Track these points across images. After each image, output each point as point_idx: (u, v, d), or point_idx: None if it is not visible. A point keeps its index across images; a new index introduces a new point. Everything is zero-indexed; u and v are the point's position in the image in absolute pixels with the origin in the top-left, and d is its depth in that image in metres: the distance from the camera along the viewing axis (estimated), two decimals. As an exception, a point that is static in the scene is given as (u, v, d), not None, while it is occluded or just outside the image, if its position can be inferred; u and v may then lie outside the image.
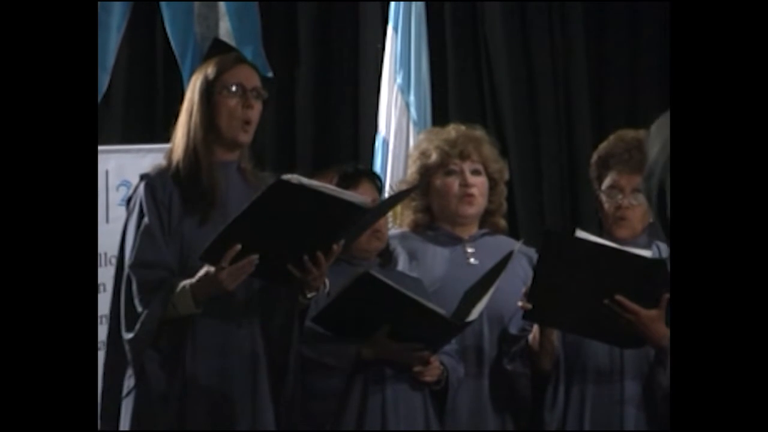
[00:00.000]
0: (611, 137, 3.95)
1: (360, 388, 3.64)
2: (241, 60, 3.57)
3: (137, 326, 3.37)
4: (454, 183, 3.89)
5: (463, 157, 3.90)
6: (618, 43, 5.81)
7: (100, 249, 3.89)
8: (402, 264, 3.88)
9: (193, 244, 3.39)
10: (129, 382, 3.42)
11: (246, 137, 3.50)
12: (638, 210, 3.82)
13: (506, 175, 4.01)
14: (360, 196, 3.45)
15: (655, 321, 3.58)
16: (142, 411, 3.40)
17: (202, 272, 3.32)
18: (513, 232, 4.18)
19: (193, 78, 3.57)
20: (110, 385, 3.48)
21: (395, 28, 5.38)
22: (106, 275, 3.83)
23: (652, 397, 3.73)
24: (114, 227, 3.70)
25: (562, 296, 3.59)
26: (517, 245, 3.74)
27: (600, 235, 3.72)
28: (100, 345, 3.60)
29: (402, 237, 3.95)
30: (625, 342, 3.67)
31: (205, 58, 3.61)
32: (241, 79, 3.50)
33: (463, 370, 3.78)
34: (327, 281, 3.51)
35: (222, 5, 5.61)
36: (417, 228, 3.96)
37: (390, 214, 4.04)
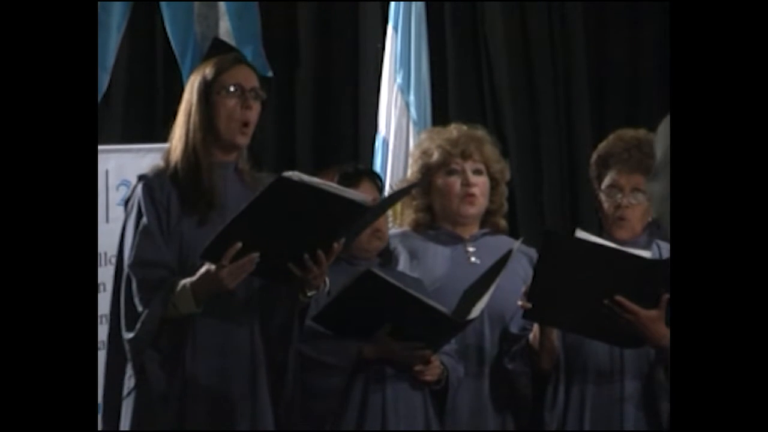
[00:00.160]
0: (610, 137, 3.96)
1: (360, 387, 3.64)
2: (239, 60, 3.56)
3: (138, 326, 3.37)
4: (456, 182, 3.89)
5: (465, 156, 3.91)
6: (618, 43, 5.81)
7: (100, 248, 3.89)
8: (403, 263, 3.88)
9: (191, 244, 3.38)
10: (129, 382, 3.42)
11: (244, 140, 3.49)
12: (638, 209, 3.82)
13: (507, 176, 4.02)
14: (361, 193, 3.44)
15: (655, 321, 3.58)
16: (143, 411, 3.40)
17: (202, 270, 3.32)
18: (513, 232, 4.18)
19: (191, 78, 3.56)
20: (111, 385, 3.48)
21: (395, 28, 5.39)
22: (106, 275, 3.83)
23: (652, 397, 3.73)
24: (114, 227, 3.70)
25: (562, 296, 3.59)
26: (516, 244, 3.74)
27: (600, 236, 3.72)
28: (100, 345, 3.59)
29: (403, 236, 3.95)
30: (624, 342, 3.67)
31: (205, 58, 3.61)
32: (240, 79, 3.50)
33: (463, 370, 3.78)
34: (327, 280, 3.51)
35: (222, 5, 5.61)
36: (418, 227, 3.96)
37: (390, 213, 4.04)
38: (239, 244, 3.26)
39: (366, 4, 5.75)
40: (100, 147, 3.50)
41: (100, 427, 3.52)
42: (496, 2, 5.71)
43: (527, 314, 3.65)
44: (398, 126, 5.32)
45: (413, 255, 3.90)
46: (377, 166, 5.23)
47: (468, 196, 3.89)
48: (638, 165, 3.83)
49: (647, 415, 3.73)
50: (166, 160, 3.50)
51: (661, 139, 2.66)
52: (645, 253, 3.63)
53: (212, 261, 3.29)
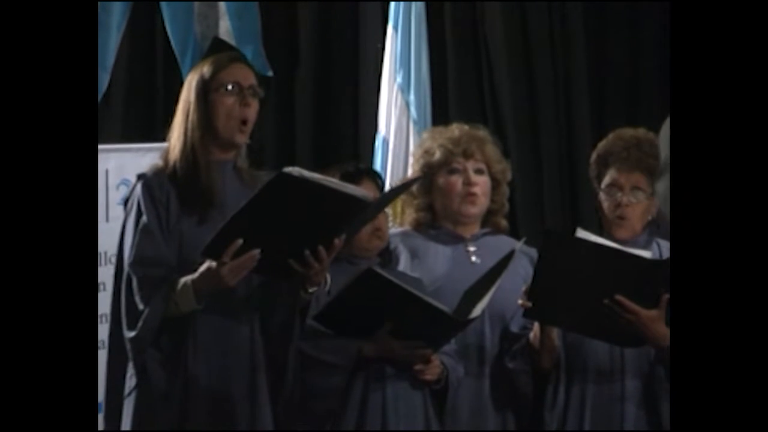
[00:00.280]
0: (610, 135, 3.96)
1: (360, 386, 3.64)
2: (236, 58, 3.56)
3: (139, 324, 3.37)
4: (458, 182, 3.90)
5: (467, 156, 3.91)
6: (618, 43, 5.81)
7: (100, 248, 3.88)
8: (403, 262, 3.88)
9: (191, 242, 3.38)
10: (130, 382, 3.42)
11: (242, 138, 3.50)
12: (638, 208, 3.83)
13: (509, 176, 4.02)
14: (361, 189, 3.44)
15: (655, 321, 3.58)
16: (144, 410, 3.40)
17: (203, 268, 3.32)
18: (513, 232, 4.18)
19: (189, 78, 3.56)
20: (112, 385, 3.47)
21: (395, 28, 5.39)
22: (106, 274, 3.83)
23: (652, 396, 3.73)
24: (114, 226, 3.70)
25: (562, 295, 3.60)
26: (518, 244, 3.74)
27: (600, 236, 3.72)
28: (100, 344, 3.59)
29: (404, 235, 3.95)
30: (625, 341, 3.67)
31: (204, 58, 3.61)
32: (238, 77, 3.50)
33: (463, 371, 3.79)
34: (328, 276, 3.51)
35: (222, 4, 5.61)
36: (419, 226, 3.96)
37: (390, 213, 4.04)
38: (240, 241, 3.26)
39: (366, 4, 5.75)
40: (100, 146, 3.50)
41: (101, 426, 3.52)
42: (496, 2, 5.71)
43: (528, 313, 3.66)
44: (398, 125, 5.32)
45: (414, 254, 3.90)
46: (377, 166, 5.23)
47: (469, 196, 3.89)
48: (638, 163, 3.83)
49: (648, 414, 3.74)
50: (165, 159, 3.50)
51: (666, 138, 2.66)
52: (645, 253, 3.64)
53: (213, 258, 3.29)
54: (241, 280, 3.34)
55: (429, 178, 3.93)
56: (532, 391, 3.82)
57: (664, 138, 3.66)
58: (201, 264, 3.33)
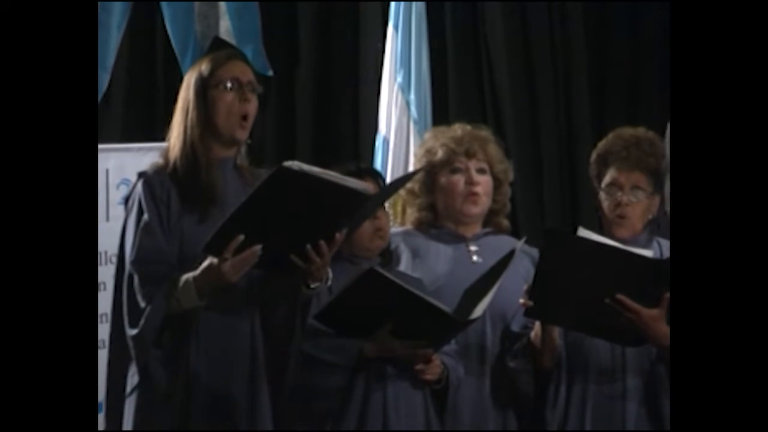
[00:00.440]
0: (609, 135, 3.97)
1: (361, 385, 3.64)
2: (234, 55, 3.57)
3: (141, 322, 3.36)
4: (460, 181, 3.90)
5: (469, 155, 3.92)
6: (618, 43, 5.81)
7: (101, 247, 3.88)
8: (405, 261, 3.88)
9: (192, 240, 3.38)
10: (132, 380, 3.42)
11: (243, 134, 3.50)
12: (638, 207, 3.83)
13: (511, 176, 4.03)
14: (362, 182, 3.43)
15: (656, 320, 3.59)
16: (146, 409, 3.40)
17: (205, 264, 3.32)
18: (513, 232, 4.18)
19: (187, 76, 3.57)
20: (113, 384, 3.47)
21: (395, 28, 5.39)
22: (106, 274, 3.83)
23: (653, 394, 3.74)
24: (114, 225, 3.70)
25: (563, 294, 3.60)
26: (519, 244, 3.75)
27: (600, 235, 3.72)
28: (100, 344, 3.60)
29: (405, 235, 3.95)
30: (626, 340, 3.67)
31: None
32: (237, 73, 3.50)
33: (463, 371, 3.79)
34: (330, 272, 3.51)
35: (222, 4, 5.61)
36: (420, 226, 3.97)
37: (391, 213, 4.04)
38: (241, 237, 3.26)
39: (366, 4, 5.75)
40: (100, 146, 3.50)
41: (102, 425, 3.52)
42: (496, 2, 5.72)
43: (529, 312, 3.66)
44: (399, 125, 5.32)
45: (415, 254, 3.90)
46: (378, 166, 5.23)
47: (471, 195, 3.90)
48: (637, 163, 3.84)
49: (649, 413, 3.74)
50: (165, 157, 3.51)
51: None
52: (647, 252, 3.64)
53: (215, 254, 3.29)
54: (244, 277, 3.34)
55: (431, 177, 3.93)
56: (533, 390, 3.82)
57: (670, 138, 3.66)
58: (202, 261, 3.33)
